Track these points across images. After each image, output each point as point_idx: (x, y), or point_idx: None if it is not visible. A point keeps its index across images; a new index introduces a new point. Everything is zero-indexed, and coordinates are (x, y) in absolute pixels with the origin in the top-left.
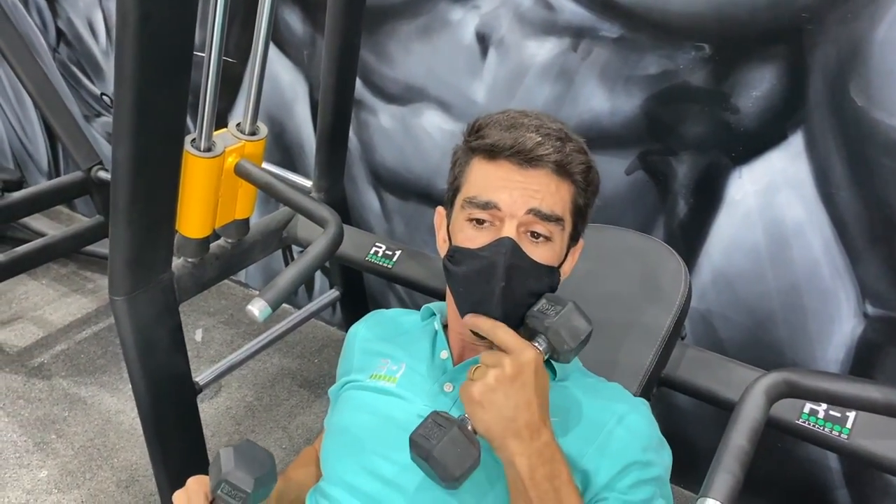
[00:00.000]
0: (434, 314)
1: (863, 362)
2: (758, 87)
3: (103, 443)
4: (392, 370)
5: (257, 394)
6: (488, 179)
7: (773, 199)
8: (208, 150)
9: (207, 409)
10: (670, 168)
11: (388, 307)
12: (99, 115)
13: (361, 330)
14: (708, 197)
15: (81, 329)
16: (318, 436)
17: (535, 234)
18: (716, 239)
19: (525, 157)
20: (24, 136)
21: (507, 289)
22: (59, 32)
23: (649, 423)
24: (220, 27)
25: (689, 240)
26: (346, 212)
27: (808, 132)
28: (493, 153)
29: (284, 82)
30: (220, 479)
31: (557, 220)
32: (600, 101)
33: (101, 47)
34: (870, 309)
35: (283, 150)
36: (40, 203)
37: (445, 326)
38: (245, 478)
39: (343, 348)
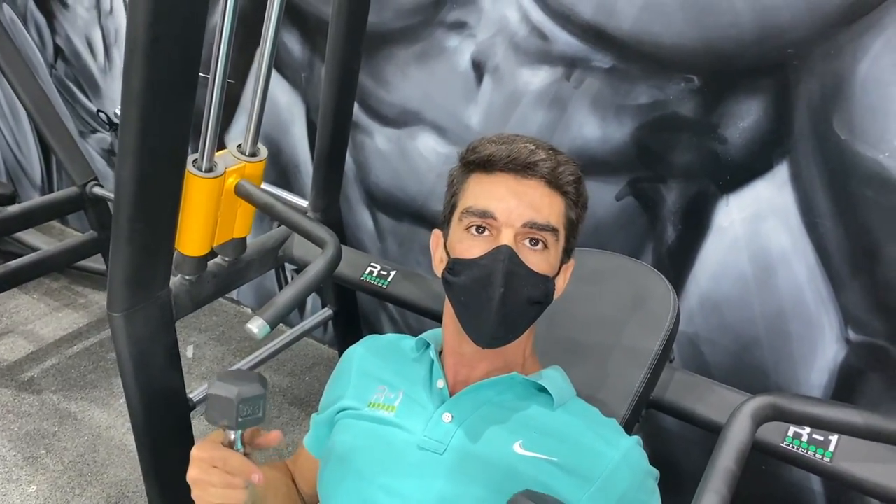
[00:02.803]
0: (429, 345)
1: (845, 387)
2: (745, 119)
3: (93, 458)
4: (390, 398)
5: None
6: (486, 190)
7: (760, 226)
8: (209, 170)
9: (198, 425)
10: (659, 195)
11: (380, 327)
12: (95, 131)
13: (359, 352)
14: (696, 224)
15: (72, 344)
16: (297, 453)
17: (532, 241)
18: (703, 265)
19: (520, 166)
20: (17, 151)
21: (506, 295)
22: (57, 49)
23: (647, 460)
24: (224, 50)
25: (677, 265)
26: (342, 231)
27: (794, 163)
28: (489, 166)
29: (282, 104)
30: (236, 403)
31: (553, 230)
32: (592, 128)
33: (98, 65)
34: (852, 335)
35: (279, 170)
36: (34, 218)
37: (441, 354)
38: (251, 386)
39: (337, 370)
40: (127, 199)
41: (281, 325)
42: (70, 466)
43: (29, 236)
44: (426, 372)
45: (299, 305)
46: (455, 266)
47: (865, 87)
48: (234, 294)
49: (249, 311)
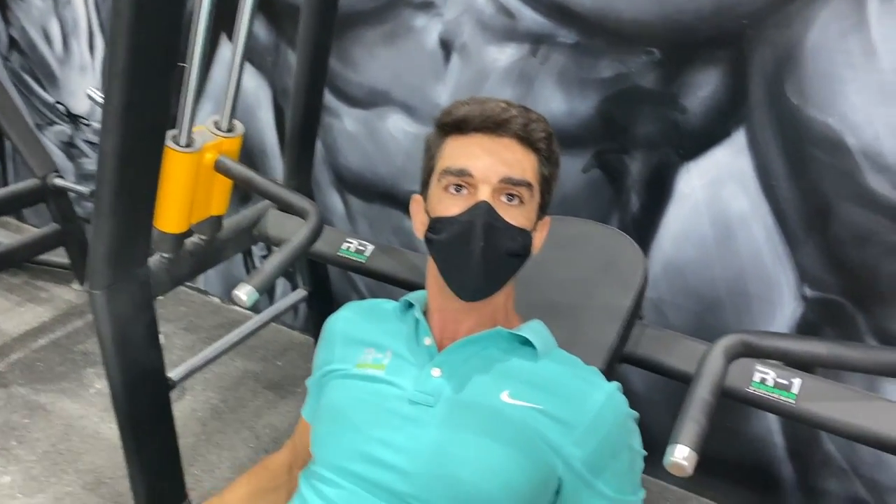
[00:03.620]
0: (412, 304)
1: None
2: (703, 88)
3: (67, 447)
4: (378, 358)
5: (222, 396)
6: (461, 150)
7: (719, 192)
8: (188, 145)
9: (174, 410)
10: (624, 165)
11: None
12: (52, 123)
13: (341, 319)
14: (659, 192)
15: (38, 338)
16: (296, 429)
17: (509, 196)
18: (666, 231)
19: (493, 124)
20: None
21: (486, 248)
22: (12, 40)
23: (626, 404)
24: (204, 28)
25: (641, 232)
26: None
27: (750, 129)
28: (464, 126)
29: (248, 88)
30: None
31: (528, 185)
32: (558, 103)
33: (56, 55)
34: (808, 292)
35: (245, 154)
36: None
37: (426, 313)
38: None
39: (321, 339)
40: (110, 173)
41: (249, 310)
42: (44, 456)
43: None
44: (412, 331)
45: (268, 290)
46: (436, 225)
47: (815, 55)
48: (201, 283)
49: (217, 300)
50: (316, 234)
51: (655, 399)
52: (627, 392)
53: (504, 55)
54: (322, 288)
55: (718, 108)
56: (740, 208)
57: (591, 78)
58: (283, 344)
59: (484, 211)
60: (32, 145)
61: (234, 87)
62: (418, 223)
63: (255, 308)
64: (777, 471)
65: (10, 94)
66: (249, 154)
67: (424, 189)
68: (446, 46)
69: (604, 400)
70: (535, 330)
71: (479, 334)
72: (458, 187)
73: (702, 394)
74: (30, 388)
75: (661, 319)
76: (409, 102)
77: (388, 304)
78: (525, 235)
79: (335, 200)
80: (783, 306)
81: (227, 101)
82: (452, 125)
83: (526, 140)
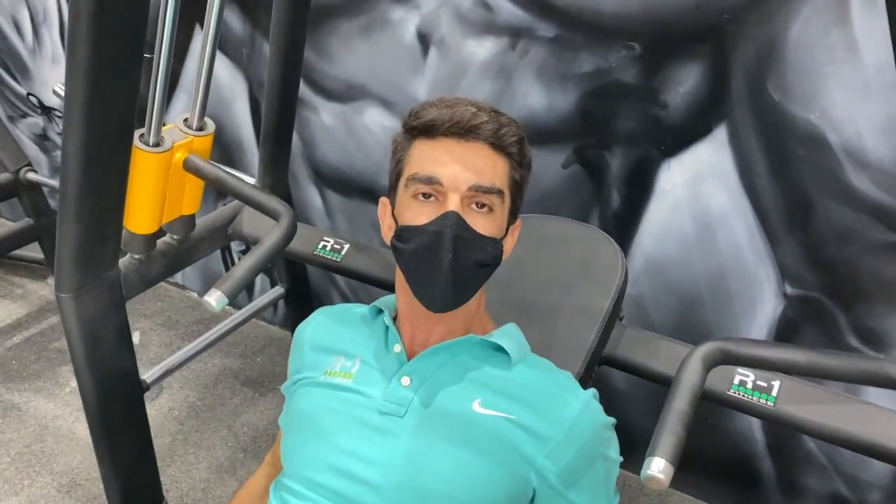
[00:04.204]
0: (382, 311)
1: (784, 339)
2: (684, 84)
3: (41, 448)
4: (346, 366)
5: (200, 394)
6: (430, 155)
7: (700, 188)
8: (157, 145)
9: (150, 410)
10: (604, 161)
11: (332, 304)
12: (25, 115)
13: (310, 326)
14: (639, 188)
15: (12, 335)
16: (276, 440)
17: (479, 204)
18: (647, 227)
19: (463, 129)
20: None
21: (455, 260)
22: None
23: (603, 412)
24: (170, 23)
25: (622, 229)
26: (292, 208)
27: (731, 125)
28: (432, 131)
29: (223, 81)
30: None
31: (498, 192)
32: (538, 98)
33: (27, 46)
34: (789, 289)
35: (222, 148)
36: None
37: (395, 320)
38: None
39: (292, 346)
40: (74, 175)
41: (228, 307)
42: (17, 458)
43: None
44: (381, 338)
45: (248, 286)
46: (403, 233)
47: (797, 50)
48: (178, 279)
49: (195, 295)
50: (288, 237)
51: (636, 396)
52: (608, 390)
53: (483, 49)
54: (300, 285)
55: (700, 103)
56: (721, 205)
57: (571, 72)
58: (261, 340)
59: (453, 221)
60: (4, 139)
61: (204, 82)
62: (385, 227)
63: (235, 304)
64: (757, 467)
65: None
66: (226, 149)
67: (392, 192)
68: (424, 40)
69: (579, 409)
70: (508, 335)
71: (450, 342)
72: (427, 195)
73: (679, 405)
74: (3, 387)
75: (642, 316)
76: (387, 97)
77: (358, 309)
78: (495, 245)
79: (313, 196)
80: (764, 303)
81: (197, 98)
82: (420, 129)
83: (497, 145)
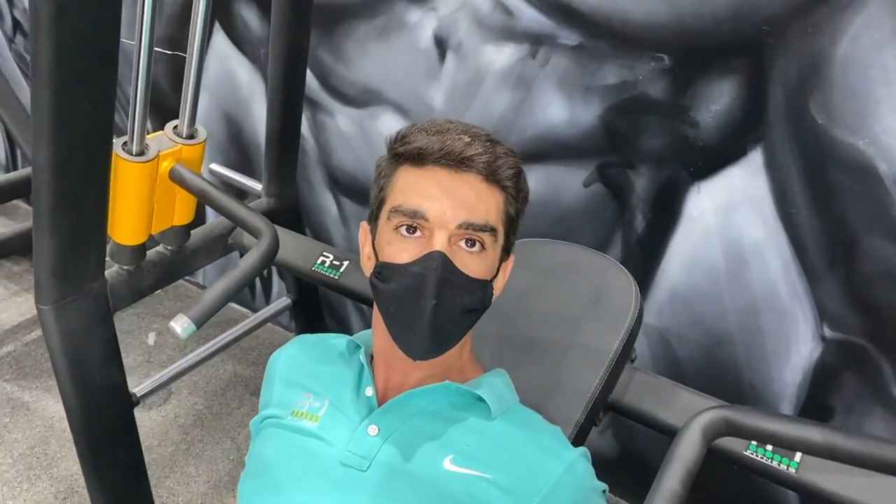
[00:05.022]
0: (359, 346)
1: (820, 385)
2: (717, 101)
3: (44, 451)
4: (314, 407)
5: (207, 402)
6: (416, 186)
7: (732, 216)
8: (140, 154)
9: (154, 416)
10: (628, 182)
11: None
12: None
13: (283, 358)
14: (666, 212)
15: (30, 330)
16: None
17: (469, 242)
18: (673, 256)
19: (455, 160)
20: None
21: (439, 306)
22: (16, 23)
23: (593, 474)
24: (149, 18)
25: (646, 256)
26: (299, 217)
27: (768, 149)
28: (420, 159)
29: (241, 81)
30: None
31: (491, 230)
32: (558, 110)
33: None
34: (827, 332)
35: (240, 150)
36: None
37: (372, 358)
38: None
39: (265, 376)
40: (46, 187)
41: (244, 309)
42: (19, 459)
43: None
44: (355, 378)
45: (264, 289)
46: (383, 271)
47: (845, 69)
48: (199, 278)
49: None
50: (267, 260)
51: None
52: (628, 426)
53: (502, 56)
54: (308, 296)
55: (733, 123)
56: (755, 236)
57: (595, 84)
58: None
59: (438, 263)
60: (27, 131)
61: (192, 87)
62: (364, 257)
63: (248, 307)
64: None
65: (11, 78)
66: (245, 151)
67: (373, 221)
68: (441, 44)
69: (562, 472)
70: (491, 385)
71: (424, 388)
72: (411, 229)
73: (670, 484)
74: (16, 384)
75: (665, 351)
76: (403, 103)
77: (337, 341)
78: (485, 288)
79: (329, 202)
80: (799, 346)
81: (186, 105)
82: (407, 155)
83: (491, 178)
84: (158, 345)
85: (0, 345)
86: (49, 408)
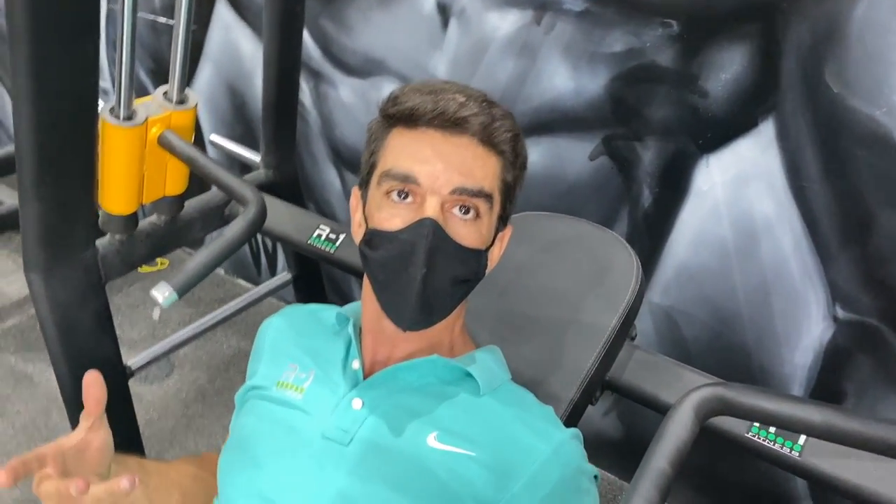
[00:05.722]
0: (348, 319)
1: (831, 368)
2: (727, 70)
3: (45, 423)
4: (300, 378)
5: (210, 376)
6: (408, 149)
7: (742, 191)
8: (128, 118)
9: (156, 390)
10: (635, 154)
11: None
12: None
13: (273, 327)
14: (673, 186)
15: None
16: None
17: (463, 209)
18: (680, 232)
19: (449, 121)
20: None
21: (429, 275)
22: None
23: (584, 457)
24: None
25: (652, 232)
26: (298, 190)
27: (780, 120)
28: (412, 120)
29: (245, 51)
30: None
31: (486, 196)
32: (564, 79)
33: None
34: (840, 312)
35: (244, 123)
36: (7, 168)
37: (361, 330)
38: None
39: (254, 344)
40: (28, 150)
41: (244, 282)
42: (21, 430)
43: None
44: (343, 350)
45: (269, 262)
46: (373, 238)
47: (862, 33)
48: None
49: (221, 272)
50: (253, 228)
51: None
52: (633, 405)
53: (506, 23)
54: (309, 272)
55: (744, 93)
56: (765, 211)
57: (601, 52)
58: None
59: (430, 230)
60: None
61: (181, 49)
62: (355, 224)
63: (251, 280)
64: None
65: None
66: (248, 122)
67: (363, 187)
68: (444, 11)
69: (548, 454)
70: (481, 360)
71: (411, 362)
72: (402, 193)
73: (658, 463)
74: (19, 356)
75: (671, 329)
76: (406, 73)
77: (328, 312)
78: (478, 257)
79: (332, 176)
80: (810, 326)
81: (176, 68)
82: (399, 117)
83: (487, 141)
84: (163, 319)
85: (5, 317)
86: (51, 380)
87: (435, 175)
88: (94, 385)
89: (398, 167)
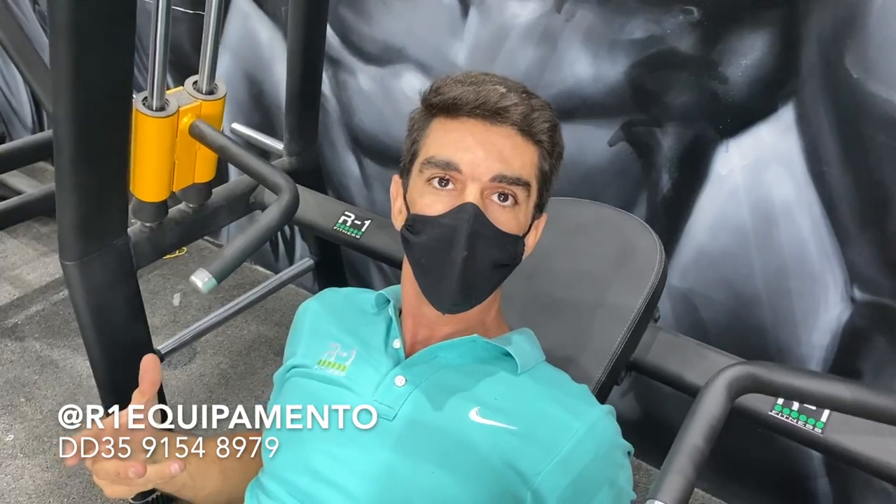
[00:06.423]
0: (388, 300)
1: (849, 349)
2: (748, 56)
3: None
4: (342, 357)
5: (232, 361)
6: (449, 138)
7: (761, 175)
8: (161, 109)
9: (180, 375)
10: (655, 140)
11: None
12: None
13: (313, 307)
14: (693, 171)
15: (58, 290)
16: None
17: (502, 196)
18: (700, 216)
19: (489, 111)
20: (7, 91)
21: (470, 259)
22: None
23: (618, 432)
24: None
25: (672, 216)
26: (321, 177)
27: (800, 105)
28: (454, 110)
29: (263, 40)
30: None
31: (524, 184)
32: (584, 66)
33: None
34: (858, 294)
35: (262, 111)
36: (21, 158)
37: (401, 312)
38: None
39: (292, 326)
40: (67, 140)
41: (267, 271)
42: (49, 415)
43: (16, 179)
44: (383, 330)
45: (288, 250)
46: (415, 223)
47: (882, 18)
48: (223, 239)
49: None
50: (287, 215)
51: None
52: (652, 387)
53: (526, 10)
54: (331, 258)
55: (764, 79)
56: (784, 195)
57: (621, 39)
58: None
59: (470, 215)
60: None
61: (212, 42)
62: (396, 210)
63: (271, 268)
64: (812, 486)
65: (30, 39)
66: (266, 111)
67: (405, 174)
68: None
69: (584, 431)
70: (517, 342)
71: (452, 341)
72: (443, 181)
73: (693, 440)
74: (44, 342)
75: (690, 312)
76: (425, 61)
77: (366, 295)
78: (516, 243)
79: (351, 163)
80: (828, 308)
81: (206, 60)
82: (441, 106)
83: (526, 131)
84: (183, 305)
85: (29, 304)
86: (77, 366)
87: (476, 163)
88: (151, 369)
89: (440, 155)
